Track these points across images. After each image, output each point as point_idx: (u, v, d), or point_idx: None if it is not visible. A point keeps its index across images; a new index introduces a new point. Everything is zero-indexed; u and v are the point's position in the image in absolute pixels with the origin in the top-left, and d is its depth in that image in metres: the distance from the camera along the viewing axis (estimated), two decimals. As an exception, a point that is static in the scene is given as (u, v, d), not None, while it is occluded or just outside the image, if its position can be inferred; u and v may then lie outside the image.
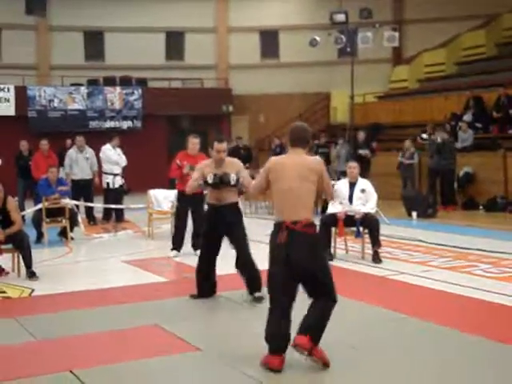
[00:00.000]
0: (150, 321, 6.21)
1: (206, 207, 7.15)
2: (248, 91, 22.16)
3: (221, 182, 6.71)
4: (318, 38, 17.72)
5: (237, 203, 6.96)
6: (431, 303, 6.79)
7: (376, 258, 8.85)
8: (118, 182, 13.12)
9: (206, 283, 7.08)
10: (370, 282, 7.92)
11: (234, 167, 6.80)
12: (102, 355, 5.29)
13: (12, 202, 8.54)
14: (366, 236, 9.12)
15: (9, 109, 19.74)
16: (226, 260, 7.27)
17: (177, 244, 9.80)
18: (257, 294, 6.75)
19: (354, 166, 9.16)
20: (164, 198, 11.55)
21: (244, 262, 6.85)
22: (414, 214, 13.23)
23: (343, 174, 13.36)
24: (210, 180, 6.72)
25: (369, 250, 9.06)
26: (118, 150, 13.28)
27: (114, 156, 13.09)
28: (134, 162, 18.83)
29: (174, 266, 9.35)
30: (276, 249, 4.87)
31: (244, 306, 6.77)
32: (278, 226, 4.88)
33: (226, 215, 6.74)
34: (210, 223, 6.87)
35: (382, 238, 9.83)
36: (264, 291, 5.93)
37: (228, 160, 6.89)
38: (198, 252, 9.71)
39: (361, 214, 8.88)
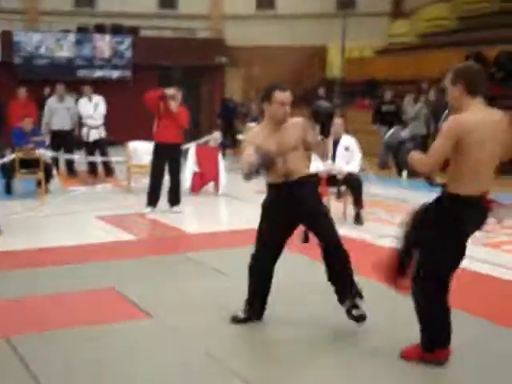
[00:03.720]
0: (108, 282, 5.84)
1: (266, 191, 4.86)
2: (242, 43, 21.43)
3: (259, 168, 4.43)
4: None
5: (310, 175, 4.81)
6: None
7: (357, 220, 8.45)
8: (94, 135, 12.59)
9: (259, 299, 4.91)
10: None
11: (298, 129, 4.66)
12: (42, 320, 4.91)
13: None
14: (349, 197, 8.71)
15: (-6, 55, 19.10)
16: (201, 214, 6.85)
17: (152, 200, 9.38)
18: (355, 312, 4.66)
19: (337, 123, 8.64)
20: (144, 151, 11.07)
21: (339, 268, 4.71)
22: (404, 173, 12.72)
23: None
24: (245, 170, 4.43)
25: (351, 211, 8.64)
26: (97, 100, 12.71)
27: (84, 109, 12.59)
28: (121, 113, 18.40)
29: (146, 223, 8.93)
30: (464, 230, 3.95)
31: (212, 272, 6.33)
32: (470, 201, 3.87)
33: (300, 195, 4.62)
34: (278, 208, 4.68)
35: (367, 197, 9.44)
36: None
37: (291, 120, 4.70)
38: (175, 208, 9.47)
39: (343, 173, 8.43)
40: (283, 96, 4.57)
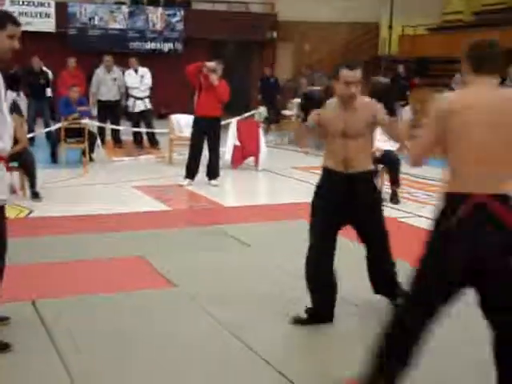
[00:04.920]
0: (137, 251, 5.94)
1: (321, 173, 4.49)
2: (294, 18, 21.26)
3: (308, 100, 4.46)
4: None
5: (371, 172, 4.47)
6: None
7: (393, 199, 8.36)
8: (140, 106, 12.75)
9: (323, 293, 4.46)
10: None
11: (367, 111, 4.26)
12: (68, 285, 5.04)
13: (17, 120, 8.29)
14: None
15: (49, 25, 19.40)
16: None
17: (190, 172, 9.47)
18: None
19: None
20: (186, 124, 11.15)
21: (382, 272, 4.56)
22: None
23: None
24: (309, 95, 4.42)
25: (388, 190, 8.57)
26: (143, 71, 12.86)
27: (130, 80, 12.76)
28: (172, 86, 18.52)
29: (183, 195, 9.04)
30: (443, 240, 3.01)
31: (242, 246, 6.38)
32: (456, 202, 2.97)
33: (357, 191, 4.29)
34: (331, 200, 4.31)
35: (407, 177, 9.35)
36: None
37: (362, 100, 4.29)
38: (213, 182, 9.54)
39: (381, 151, 8.34)
40: (350, 74, 4.17)
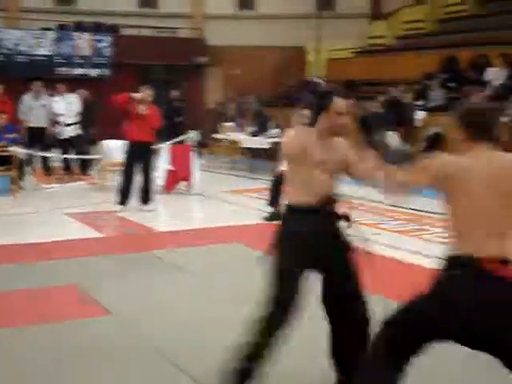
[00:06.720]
0: (71, 279, 5.91)
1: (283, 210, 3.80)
2: (223, 43, 21.51)
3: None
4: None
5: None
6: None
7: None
8: (67, 132, 12.64)
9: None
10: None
11: (341, 147, 3.65)
12: (1, 317, 4.97)
13: None
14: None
15: (-28, 51, 19.03)
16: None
17: (123, 198, 9.44)
18: None
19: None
20: (116, 149, 11.11)
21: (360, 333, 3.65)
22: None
23: None
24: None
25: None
26: (71, 98, 12.79)
27: (57, 106, 12.66)
28: (100, 112, 18.40)
29: (115, 221, 9.00)
30: (448, 305, 2.82)
31: (177, 271, 6.42)
32: (460, 265, 2.89)
33: (336, 229, 3.65)
34: (304, 244, 3.53)
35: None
36: None
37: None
38: (146, 207, 9.53)
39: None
40: (344, 104, 3.57)
